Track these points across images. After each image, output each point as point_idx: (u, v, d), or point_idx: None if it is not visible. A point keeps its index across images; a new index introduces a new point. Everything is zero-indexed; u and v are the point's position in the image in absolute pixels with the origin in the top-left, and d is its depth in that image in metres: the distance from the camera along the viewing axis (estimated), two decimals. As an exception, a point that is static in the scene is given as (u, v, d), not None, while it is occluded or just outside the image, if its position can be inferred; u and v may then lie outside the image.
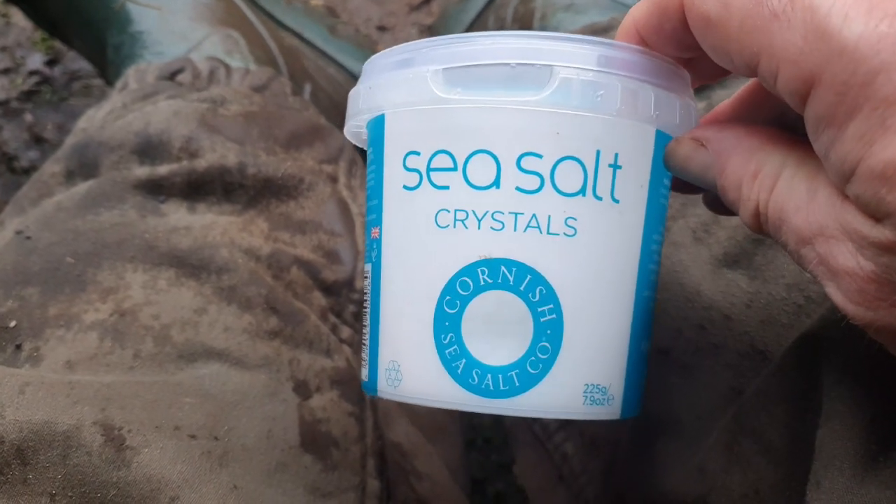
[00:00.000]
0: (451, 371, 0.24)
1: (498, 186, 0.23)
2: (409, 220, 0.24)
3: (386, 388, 0.25)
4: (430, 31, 0.73)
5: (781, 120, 0.24)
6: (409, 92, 0.24)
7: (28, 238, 0.36)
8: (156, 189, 0.39)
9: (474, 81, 0.23)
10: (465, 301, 0.23)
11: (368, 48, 0.65)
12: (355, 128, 0.27)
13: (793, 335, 0.28)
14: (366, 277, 0.26)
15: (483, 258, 0.23)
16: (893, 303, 0.17)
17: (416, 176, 0.24)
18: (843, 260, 0.18)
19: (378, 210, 0.25)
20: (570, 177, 0.23)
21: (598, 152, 0.23)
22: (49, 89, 0.78)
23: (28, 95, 0.77)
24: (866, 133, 0.16)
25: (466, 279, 0.23)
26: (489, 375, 0.23)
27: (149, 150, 0.40)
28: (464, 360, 0.23)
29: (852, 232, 0.18)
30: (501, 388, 0.23)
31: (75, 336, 0.32)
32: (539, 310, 0.23)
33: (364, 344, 0.27)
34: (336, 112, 0.58)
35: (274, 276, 0.38)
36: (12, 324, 0.32)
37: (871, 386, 0.23)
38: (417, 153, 0.24)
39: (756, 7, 0.18)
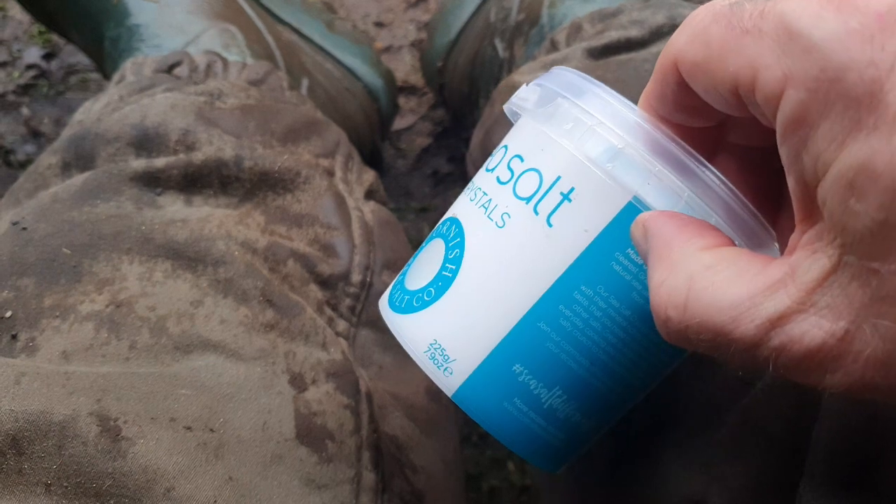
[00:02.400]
0: (391, 294, 0.29)
1: (492, 171, 0.27)
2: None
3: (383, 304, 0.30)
4: (428, 27, 0.73)
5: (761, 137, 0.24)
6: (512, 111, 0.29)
7: (24, 229, 0.36)
8: (152, 181, 0.39)
9: (543, 99, 0.26)
10: (426, 244, 0.29)
11: (365, 44, 0.65)
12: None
13: None
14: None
15: (451, 216, 0.28)
16: (868, 359, 0.17)
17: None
18: (809, 341, 0.17)
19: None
20: (528, 185, 0.25)
21: (557, 178, 0.25)
22: (46, 83, 0.78)
23: (25, 89, 0.77)
24: (839, 134, 0.16)
25: (442, 227, 0.28)
26: (403, 297, 0.28)
27: (145, 142, 0.40)
28: (398, 290, 0.28)
29: (813, 298, 0.17)
30: (400, 306, 0.28)
31: (71, 327, 0.32)
32: (447, 263, 0.27)
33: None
34: (333, 107, 0.58)
35: (270, 269, 0.38)
36: (8, 314, 0.33)
37: None
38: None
39: (727, 31, 0.18)
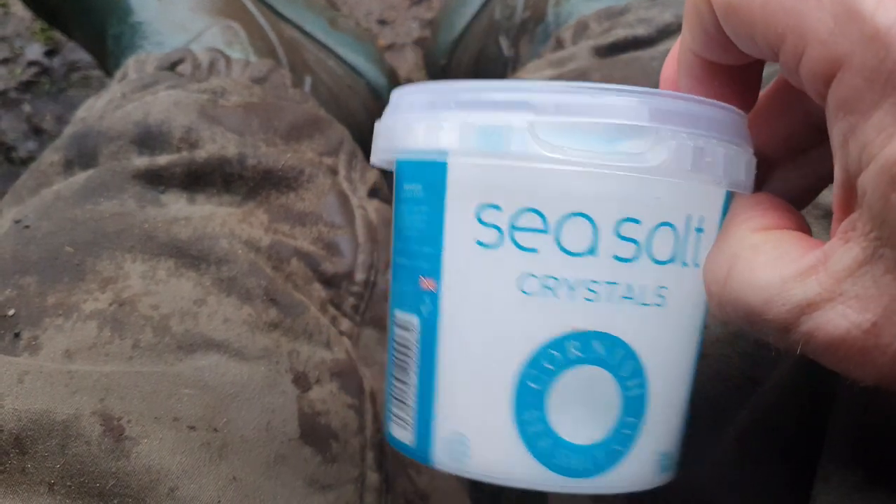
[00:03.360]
0: (534, 450, 0.22)
1: (594, 254, 0.21)
2: (485, 281, 0.22)
3: (447, 462, 0.23)
4: (431, 24, 0.73)
5: (794, 137, 0.24)
6: (490, 140, 0.21)
7: (26, 227, 0.36)
8: (155, 179, 0.39)
9: (575, 138, 0.20)
10: (552, 376, 0.21)
11: (369, 41, 0.65)
12: (386, 155, 0.25)
13: None
14: (405, 329, 0.24)
15: (575, 331, 0.21)
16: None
17: (495, 233, 0.21)
18: (833, 330, 0.17)
19: (434, 261, 0.23)
20: (664, 244, 0.21)
21: (688, 217, 0.21)
22: (48, 80, 0.78)
23: (27, 86, 0.77)
24: (889, 126, 0.16)
25: (554, 352, 0.21)
26: (574, 455, 0.22)
27: (148, 140, 0.40)
28: (549, 440, 0.22)
29: (844, 285, 0.17)
30: (585, 467, 0.22)
31: (74, 325, 0.32)
32: (627, 384, 0.22)
33: (400, 400, 0.24)
34: (336, 104, 0.57)
35: (274, 268, 0.37)
36: (11, 312, 0.32)
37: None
38: (497, 207, 0.21)
39: None
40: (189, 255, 0.36)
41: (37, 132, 0.75)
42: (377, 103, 0.64)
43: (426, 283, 0.23)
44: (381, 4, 0.82)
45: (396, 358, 0.25)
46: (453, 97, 0.22)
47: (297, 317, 0.36)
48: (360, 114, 0.61)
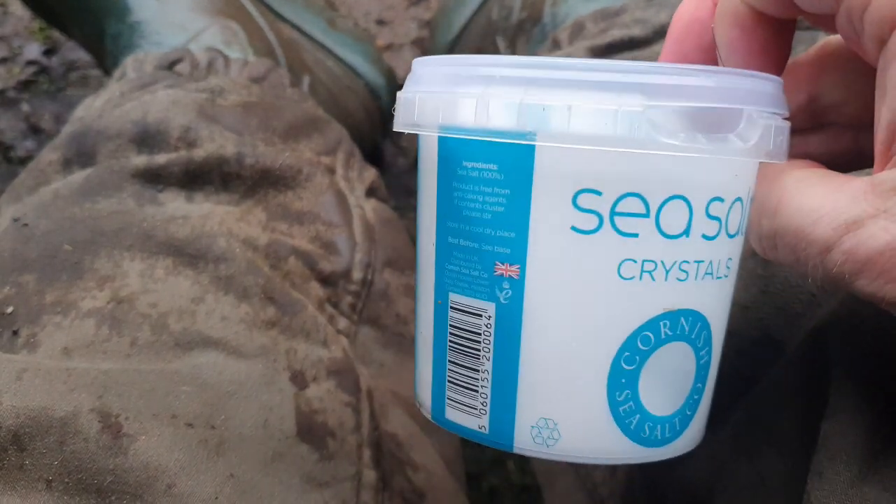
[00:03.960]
0: (624, 427, 0.22)
1: (688, 235, 0.21)
2: (583, 268, 0.21)
3: (533, 447, 0.23)
4: (429, 25, 0.73)
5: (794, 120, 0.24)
6: (598, 124, 0.20)
7: (25, 225, 0.36)
8: (154, 178, 0.39)
9: (683, 125, 0.20)
10: (645, 356, 0.22)
11: (367, 41, 0.65)
12: (428, 128, 0.23)
13: (804, 324, 0.28)
14: (470, 313, 0.23)
15: (667, 311, 0.21)
16: None
17: (594, 219, 0.21)
18: (873, 243, 0.18)
19: (517, 246, 0.22)
20: (736, 218, 0.22)
21: (749, 189, 0.22)
22: (46, 79, 0.78)
23: (25, 85, 0.77)
24: None
25: (648, 333, 0.22)
26: (659, 426, 0.22)
27: (147, 139, 0.40)
28: (638, 416, 0.22)
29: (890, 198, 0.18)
30: (666, 435, 0.23)
31: (72, 323, 0.32)
32: (700, 353, 0.23)
33: (466, 387, 0.24)
34: (334, 104, 0.58)
35: (271, 266, 0.38)
36: (9, 310, 0.32)
37: (878, 383, 0.23)
38: (597, 192, 0.21)
39: None
40: (187, 253, 0.36)
41: (35, 131, 0.75)
42: (375, 103, 0.64)
43: (506, 270, 0.22)
44: (379, 5, 0.82)
45: (456, 344, 0.24)
46: (543, 73, 0.20)
47: (295, 315, 0.36)
48: (359, 114, 0.61)
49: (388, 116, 0.66)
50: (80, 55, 0.78)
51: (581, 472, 0.37)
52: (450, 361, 0.24)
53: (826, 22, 0.21)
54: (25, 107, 0.76)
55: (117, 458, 0.27)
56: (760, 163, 0.22)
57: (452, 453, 0.42)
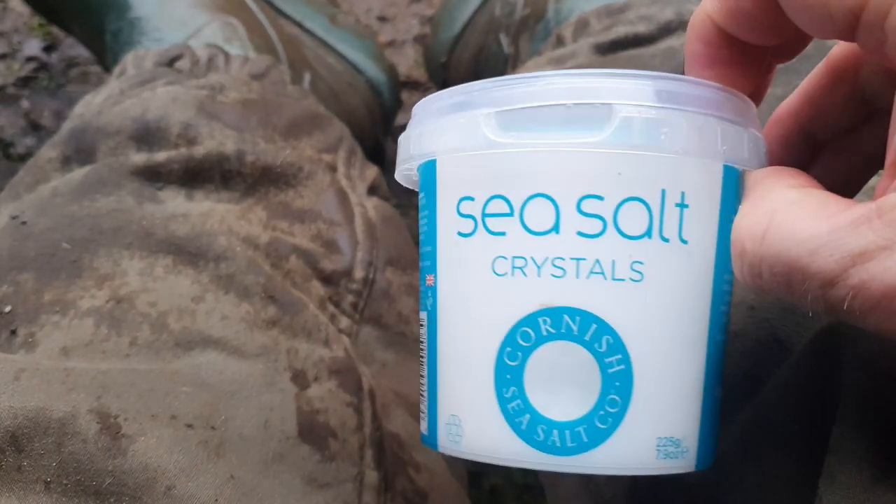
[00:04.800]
0: (515, 427, 0.22)
1: (557, 231, 0.22)
2: (466, 269, 0.23)
3: (447, 445, 0.24)
4: (431, 21, 0.72)
5: (843, 115, 0.23)
6: (462, 137, 0.23)
7: (23, 223, 0.36)
8: (153, 176, 0.39)
9: (530, 123, 0.22)
10: (527, 352, 0.22)
11: (368, 38, 0.65)
12: (406, 171, 0.26)
13: (811, 324, 0.28)
14: (421, 325, 0.25)
15: (544, 307, 0.22)
16: None
17: (471, 222, 0.23)
18: (891, 278, 0.17)
19: (432, 257, 0.24)
20: (634, 219, 0.21)
21: (663, 192, 0.22)
22: (46, 76, 0.77)
23: (25, 82, 0.77)
24: None
25: (527, 329, 0.22)
26: (555, 431, 0.22)
27: (146, 136, 0.40)
28: (528, 416, 0.22)
29: None
30: (569, 444, 0.22)
31: (71, 322, 0.32)
32: (606, 360, 0.22)
33: (422, 395, 0.26)
34: (335, 101, 0.57)
35: (272, 265, 0.37)
36: (7, 309, 0.32)
37: (891, 385, 0.22)
38: (471, 199, 0.23)
39: None
40: (187, 252, 0.35)
41: (35, 128, 0.75)
42: (377, 100, 0.63)
43: (429, 280, 0.25)
44: (381, 1, 0.82)
45: (420, 356, 0.26)
46: (444, 101, 0.24)
47: (296, 314, 0.36)
48: (360, 110, 0.61)
49: (389, 114, 0.66)
50: (80, 52, 0.77)
51: (585, 477, 0.37)
52: (420, 376, 0.26)
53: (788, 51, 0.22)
54: (25, 103, 0.75)
55: (116, 459, 0.27)
56: (745, 177, 0.22)
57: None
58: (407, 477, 0.36)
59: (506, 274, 0.22)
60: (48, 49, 0.78)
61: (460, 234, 0.23)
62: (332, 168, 0.44)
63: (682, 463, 0.23)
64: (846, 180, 0.24)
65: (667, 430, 0.23)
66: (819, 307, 0.18)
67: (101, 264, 0.34)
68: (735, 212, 0.23)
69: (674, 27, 0.43)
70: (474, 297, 0.23)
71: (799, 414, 0.26)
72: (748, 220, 0.20)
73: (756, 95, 0.26)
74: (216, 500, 0.28)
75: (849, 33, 0.18)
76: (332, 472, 0.32)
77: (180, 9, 0.50)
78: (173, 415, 0.29)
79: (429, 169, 0.24)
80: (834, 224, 0.18)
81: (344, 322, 0.39)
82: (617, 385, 0.22)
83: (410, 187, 0.27)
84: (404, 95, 0.75)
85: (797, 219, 0.18)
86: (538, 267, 0.22)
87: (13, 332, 0.32)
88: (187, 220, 0.37)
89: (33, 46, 0.78)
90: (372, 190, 0.46)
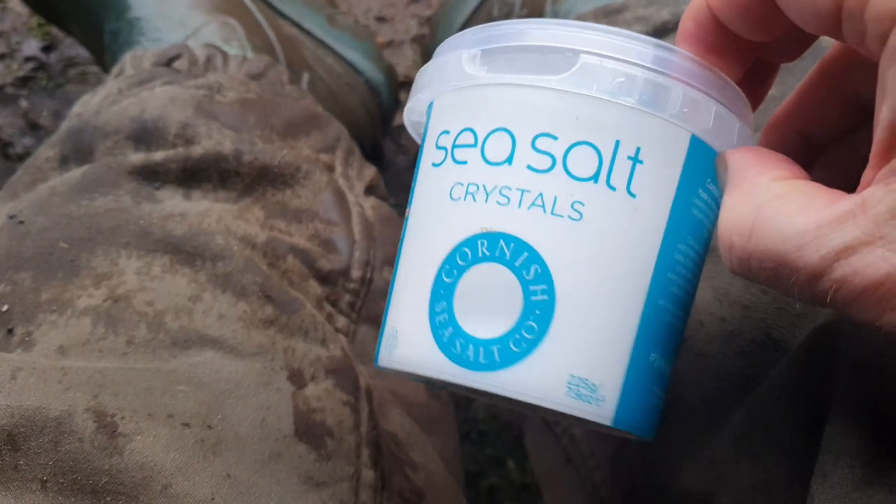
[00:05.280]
0: (438, 339, 0.24)
1: (510, 163, 0.23)
2: (430, 195, 0.25)
3: (384, 356, 0.25)
4: (430, 22, 0.72)
5: (839, 118, 0.23)
6: (447, 75, 0.24)
7: (21, 222, 0.36)
8: (151, 175, 0.39)
9: (504, 63, 0.23)
10: (462, 271, 0.23)
11: (367, 38, 0.65)
12: (415, 120, 0.28)
13: (806, 324, 0.28)
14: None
15: (484, 231, 0.23)
16: None
17: (443, 153, 0.24)
18: (872, 273, 0.17)
19: (412, 189, 0.26)
20: (583, 162, 0.22)
21: (617, 142, 0.22)
22: (45, 75, 0.77)
23: (23, 81, 0.77)
24: None
25: (466, 250, 0.23)
26: (471, 346, 0.23)
27: (144, 136, 0.40)
28: (450, 329, 0.23)
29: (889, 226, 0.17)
30: (481, 360, 0.23)
31: (68, 321, 0.32)
32: (531, 288, 0.23)
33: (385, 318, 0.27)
34: (333, 101, 0.57)
35: (269, 265, 0.37)
36: (4, 308, 0.32)
37: (884, 384, 0.22)
38: (447, 132, 0.24)
39: None
40: (184, 251, 0.35)
41: (33, 128, 0.75)
42: (375, 100, 0.63)
43: (406, 212, 0.26)
44: (379, 2, 0.82)
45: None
46: (443, 47, 0.26)
47: (293, 314, 0.36)
48: (358, 111, 0.61)
49: (387, 114, 0.66)
50: (79, 52, 0.77)
51: (581, 474, 0.37)
52: None
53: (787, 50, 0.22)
54: (24, 103, 0.75)
55: (112, 458, 0.27)
56: (726, 159, 0.23)
57: (451, 452, 0.41)
58: (404, 476, 0.36)
59: (459, 198, 0.24)
60: (47, 49, 0.78)
61: (433, 164, 0.25)
62: (330, 168, 0.44)
63: (597, 409, 0.23)
64: (846, 181, 0.24)
65: (581, 370, 0.23)
66: (805, 298, 0.19)
67: (99, 263, 0.34)
68: (702, 187, 0.23)
69: (670, 28, 0.44)
70: (430, 219, 0.25)
71: (793, 413, 0.26)
72: (734, 214, 0.20)
73: (756, 96, 0.26)
74: (212, 498, 0.28)
75: (836, 27, 0.19)
76: (329, 470, 0.32)
77: (179, 9, 0.51)
78: (170, 413, 0.29)
79: (428, 110, 0.26)
80: (819, 220, 0.18)
81: (341, 321, 0.39)
82: (537, 313, 0.23)
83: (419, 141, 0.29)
84: (402, 96, 0.75)
85: (784, 215, 0.19)
86: (487, 193, 0.23)
87: (10, 331, 0.32)
88: (185, 220, 0.37)
89: (32, 46, 0.78)
90: (370, 190, 0.46)
